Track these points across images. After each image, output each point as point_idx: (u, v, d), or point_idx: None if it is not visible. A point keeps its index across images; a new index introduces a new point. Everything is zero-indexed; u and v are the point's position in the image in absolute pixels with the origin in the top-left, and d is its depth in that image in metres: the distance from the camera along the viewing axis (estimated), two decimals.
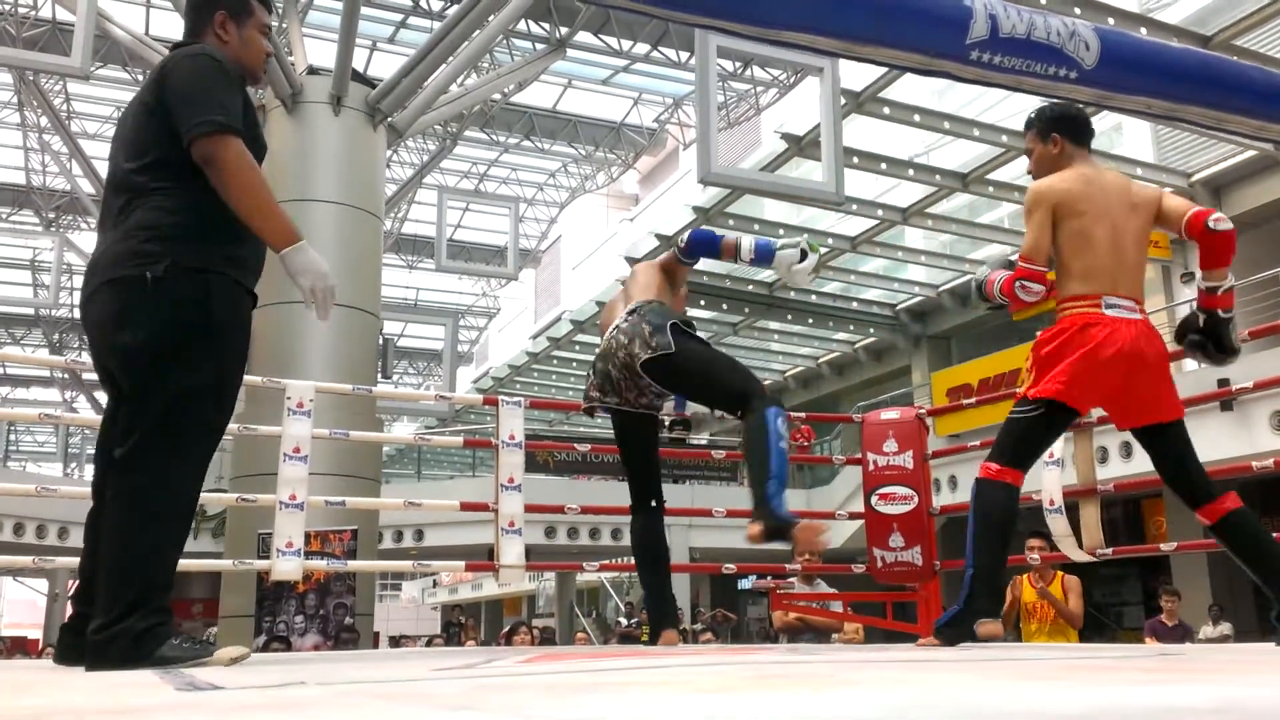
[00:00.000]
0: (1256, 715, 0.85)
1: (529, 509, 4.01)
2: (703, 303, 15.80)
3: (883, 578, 4.44)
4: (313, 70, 10.31)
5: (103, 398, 2.65)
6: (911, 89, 11.71)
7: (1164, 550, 4.40)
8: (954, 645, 2.81)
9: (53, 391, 24.66)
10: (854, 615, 6.09)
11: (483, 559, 5.02)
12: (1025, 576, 5.76)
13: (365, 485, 8.91)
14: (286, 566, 3.53)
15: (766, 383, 22.53)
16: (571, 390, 22.04)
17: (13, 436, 20.48)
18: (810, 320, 16.85)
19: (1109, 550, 3.78)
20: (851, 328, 17.60)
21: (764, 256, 3.41)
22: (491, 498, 4.01)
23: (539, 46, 14.00)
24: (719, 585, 20.65)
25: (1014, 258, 3.00)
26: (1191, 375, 10.55)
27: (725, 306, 16.06)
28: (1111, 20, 9.19)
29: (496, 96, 15.36)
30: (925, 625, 4.47)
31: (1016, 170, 13.49)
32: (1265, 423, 9.29)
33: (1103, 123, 12.67)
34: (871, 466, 4.44)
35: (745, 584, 18.25)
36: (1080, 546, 3.77)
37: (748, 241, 3.43)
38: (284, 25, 12.05)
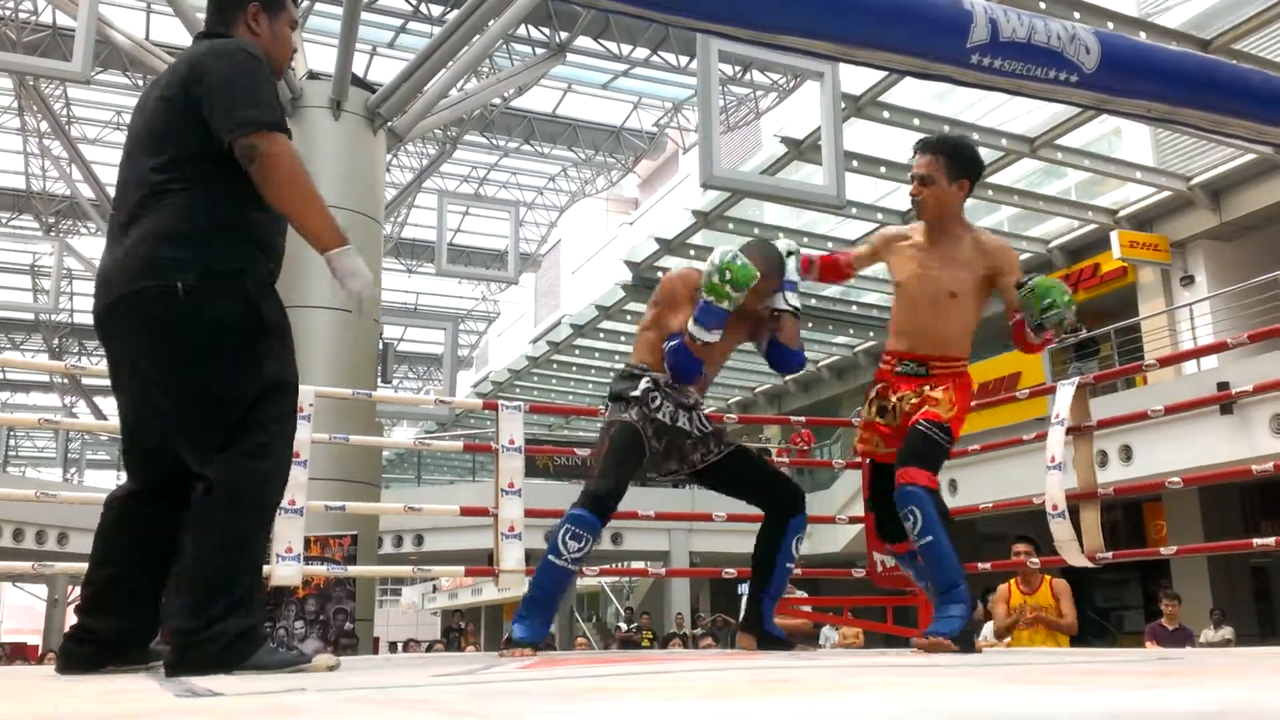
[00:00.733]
0: (1256, 719, 0.85)
1: (529, 514, 4.01)
2: None
3: (883, 582, 4.43)
4: (313, 75, 10.32)
5: (105, 403, 2.62)
6: (911, 93, 11.72)
7: (1164, 554, 4.39)
8: (973, 651, 2.90)
9: (52, 397, 24.67)
10: (854, 620, 6.09)
11: (483, 564, 5.02)
12: (1012, 582, 5.75)
13: (365, 490, 8.90)
14: (286, 572, 3.52)
15: (765, 388, 22.54)
16: (572, 395, 22.06)
17: (12, 441, 20.48)
18: (810, 324, 16.86)
19: (1109, 554, 3.78)
20: (851, 331, 17.60)
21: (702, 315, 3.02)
22: (491, 502, 4.01)
23: (539, 51, 14.01)
24: (719, 589, 20.63)
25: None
26: (1191, 379, 10.55)
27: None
28: (1111, 24, 9.21)
29: (496, 101, 15.38)
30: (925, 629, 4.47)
31: (1016, 174, 13.51)
32: (1265, 426, 9.29)
33: (1102, 126, 12.69)
34: None
35: (745, 588, 18.21)
36: (1081, 551, 3.77)
37: (694, 328, 3.05)
38: None
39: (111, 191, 2.57)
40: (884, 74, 9.95)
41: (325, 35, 13.22)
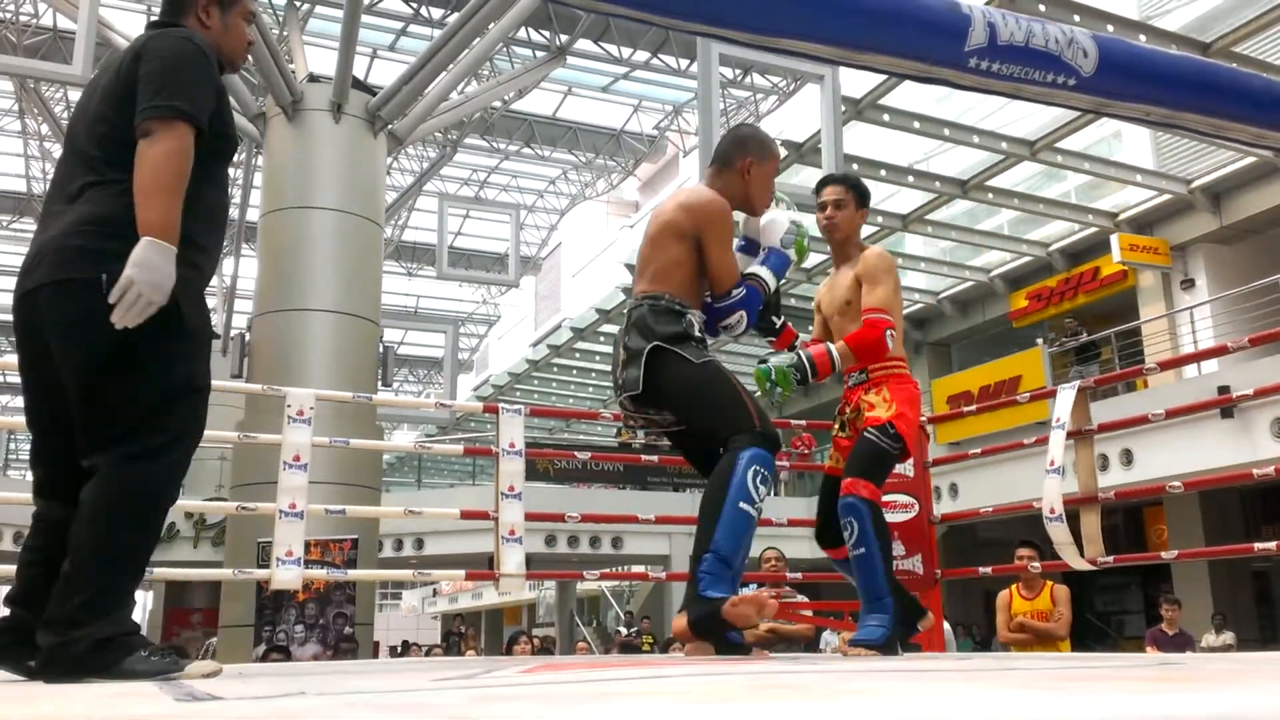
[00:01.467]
0: None
1: (529, 517, 4.00)
2: None
3: None
4: (313, 78, 10.33)
5: None
6: (911, 96, 11.73)
7: (1165, 558, 4.39)
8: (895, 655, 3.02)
9: None
10: (855, 624, 6.08)
11: (483, 568, 5.02)
12: (1014, 587, 5.74)
13: (365, 493, 8.90)
14: (286, 575, 3.52)
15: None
16: (572, 398, 22.06)
17: (13, 445, 20.44)
18: (810, 327, 16.86)
19: (1110, 558, 3.77)
20: None
21: (780, 266, 3.05)
22: (492, 506, 4.00)
23: (539, 54, 14.02)
24: None
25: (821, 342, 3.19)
26: (1193, 383, 10.54)
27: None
28: (1111, 27, 9.21)
29: (497, 104, 15.39)
30: (926, 634, 4.46)
31: (1016, 177, 13.51)
32: (1266, 430, 9.28)
33: (1102, 129, 12.70)
34: None
35: (745, 592, 18.20)
36: (1081, 555, 3.76)
37: (769, 275, 3.03)
38: (285, 33, 12.08)
39: None
40: (884, 77, 9.95)
41: (326, 38, 13.24)
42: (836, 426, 3.46)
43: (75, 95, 15.37)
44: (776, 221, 3.05)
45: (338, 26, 10.54)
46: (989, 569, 4.82)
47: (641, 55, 14.54)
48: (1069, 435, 3.85)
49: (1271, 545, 3.65)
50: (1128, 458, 10.31)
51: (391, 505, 11.40)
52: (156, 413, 2.00)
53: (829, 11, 1.06)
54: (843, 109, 9.71)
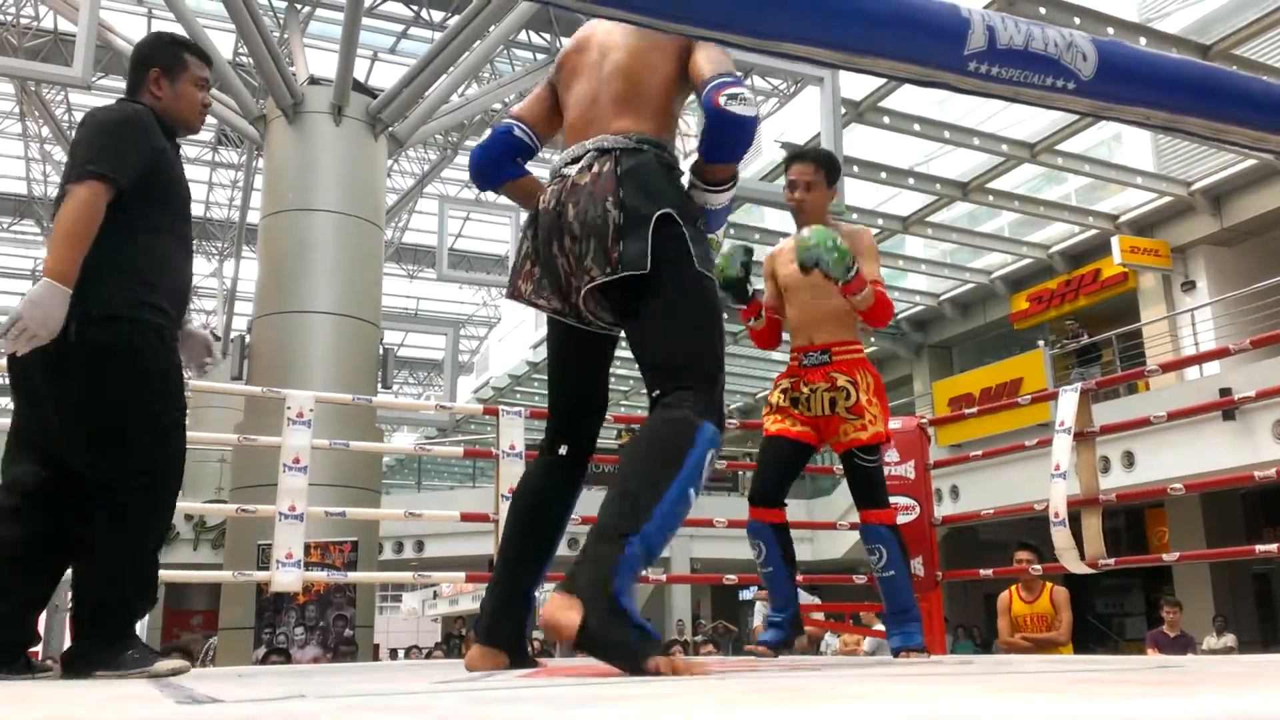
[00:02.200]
0: None
1: None
2: None
3: None
4: (314, 80, 10.34)
5: None
6: (911, 98, 11.74)
7: (1166, 560, 4.39)
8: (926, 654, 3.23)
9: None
10: (854, 627, 6.08)
11: (483, 570, 5.02)
12: (1013, 589, 5.73)
13: (365, 496, 8.89)
14: (286, 578, 3.52)
15: (764, 392, 22.66)
16: None
17: None
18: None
19: (1111, 560, 3.77)
20: None
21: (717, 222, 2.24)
22: (492, 508, 4.00)
23: (539, 56, 14.04)
24: (720, 596, 20.63)
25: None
26: (1193, 384, 10.54)
27: (726, 316, 16.08)
28: (1111, 30, 9.21)
29: (497, 106, 15.39)
30: (928, 636, 4.46)
31: (1017, 179, 13.52)
32: (1268, 432, 9.28)
33: (1103, 132, 12.70)
34: None
35: (746, 595, 18.22)
36: (1082, 558, 3.76)
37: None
38: (286, 36, 12.09)
39: None
40: (883, 80, 9.95)
41: (327, 41, 13.25)
42: (784, 399, 3.37)
43: (76, 97, 15.39)
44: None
45: (338, 29, 10.55)
46: (990, 571, 4.82)
47: None
48: (1072, 438, 3.84)
49: (1273, 547, 3.65)
50: (1129, 460, 10.31)
51: (391, 507, 11.40)
52: (137, 453, 2.24)
53: (829, 16, 1.06)
54: (843, 111, 9.71)
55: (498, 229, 18.93)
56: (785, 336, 3.54)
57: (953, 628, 10.56)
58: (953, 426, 12.08)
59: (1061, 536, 3.73)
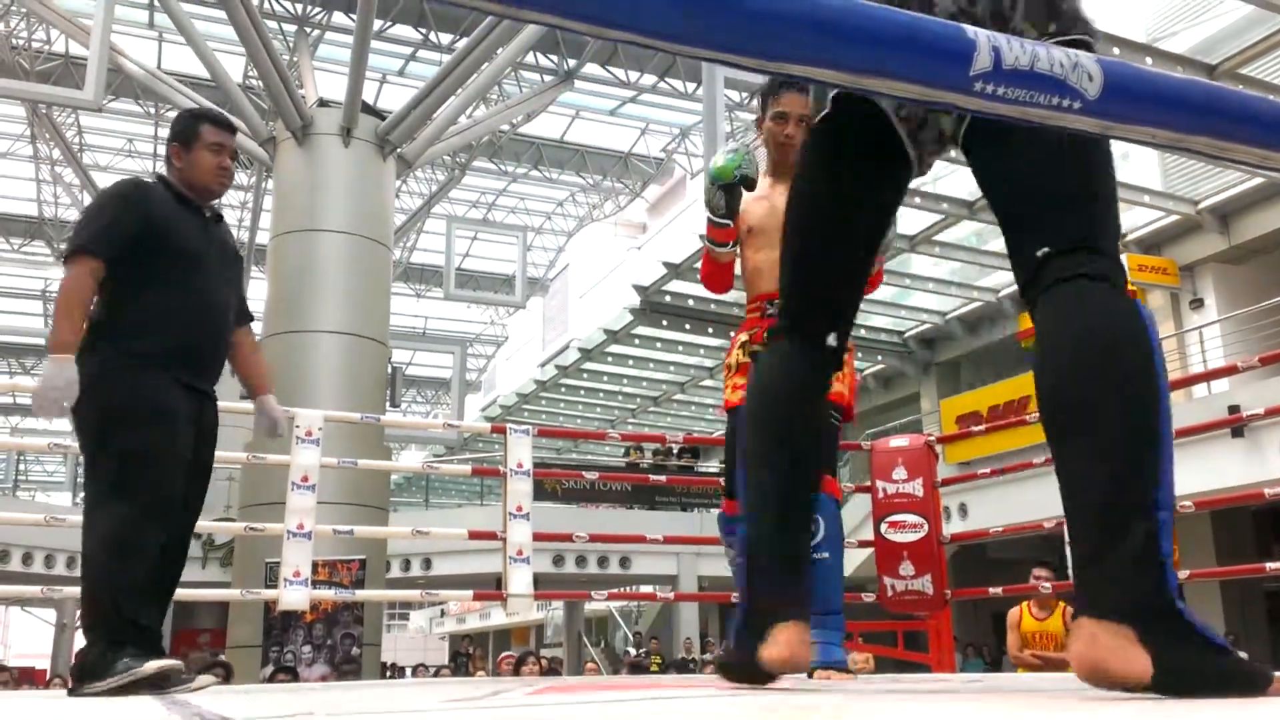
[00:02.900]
0: None
1: (537, 537, 3.99)
2: (710, 330, 15.81)
3: (893, 607, 4.40)
4: (323, 103, 10.41)
5: None
6: None
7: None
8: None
9: (62, 421, 24.71)
10: (864, 645, 6.04)
11: (491, 588, 5.01)
12: (1025, 605, 5.70)
13: (373, 514, 8.90)
14: (294, 596, 3.52)
15: None
16: (580, 419, 22.04)
17: (22, 466, 20.52)
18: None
19: None
20: (859, 354, 17.56)
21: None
22: (500, 526, 4.00)
23: (547, 78, 14.13)
24: (728, 614, 20.53)
25: None
26: (1201, 402, 10.50)
27: (733, 334, 16.07)
28: (1118, 50, 9.24)
29: (505, 127, 15.49)
30: (937, 654, 4.44)
31: None
32: (1277, 449, 9.23)
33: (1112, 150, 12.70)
34: (881, 494, 4.42)
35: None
36: None
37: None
38: (295, 59, 12.19)
39: None
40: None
41: (336, 64, 13.35)
42: (747, 356, 3.01)
43: (86, 120, 15.53)
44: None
45: (347, 52, 10.63)
46: (999, 589, 4.79)
47: (649, 79, 14.63)
48: None
49: None
50: None
51: (399, 525, 11.39)
52: (111, 476, 2.46)
53: (835, 38, 1.07)
54: None
55: (505, 248, 19.01)
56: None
57: (962, 646, 10.49)
58: (961, 444, 12.04)
59: None
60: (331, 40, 13.39)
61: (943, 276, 16.08)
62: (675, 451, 15.54)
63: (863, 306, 2.97)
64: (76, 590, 2.49)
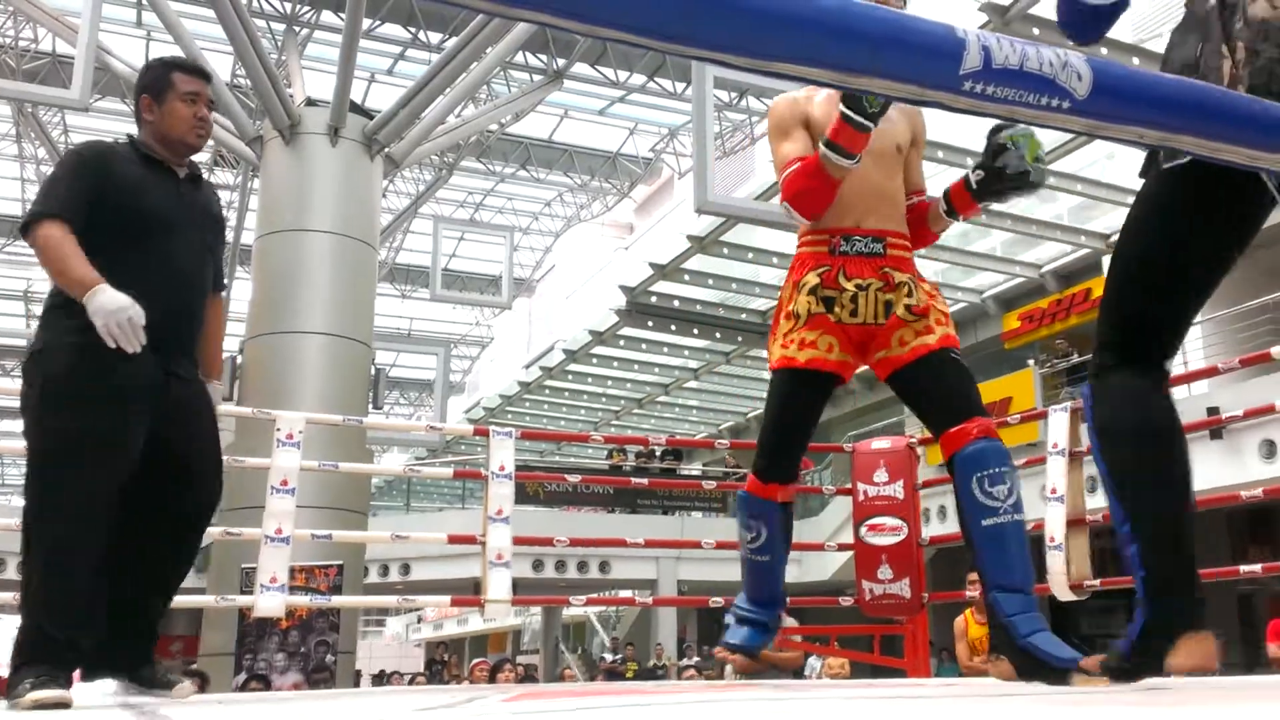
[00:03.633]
0: None
1: (517, 541, 3.95)
2: (695, 331, 15.81)
3: (870, 610, 4.38)
4: (311, 102, 10.35)
5: None
6: None
7: None
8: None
9: None
10: (841, 650, 6.03)
11: (469, 593, 4.97)
12: (968, 612, 5.70)
13: (352, 518, 8.81)
14: (269, 603, 3.46)
15: (756, 414, 22.51)
16: (564, 421, 21.99)
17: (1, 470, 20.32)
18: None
19: (1096, 582, 3.73)
20: None
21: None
22: (479, 529, 3.96)
23: (536, 78, 14.09)
24: (706, 619, 20.47)
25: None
26: (1182, 404, 10.52)
27: (718, 335, 16.08)
28: (1105, 50, 9.28)
29: (493, 127, 15.44)
30: (912, 660, 4.42)
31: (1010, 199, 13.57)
32: (1255, 452, 9.28)
33: (1095, 151, 12.78)
34: (862, 496, 4.39)
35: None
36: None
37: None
38: (283, 58, 12.12)
39: None
40: None
41: (324, 63, 13.29)
42: (816, 304, 2.52)
43: (72, 119, 15.39)
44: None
45: (336, 51, 10.58)
46: (977, 593, 4.78)
47: (638, 79, 14.62)
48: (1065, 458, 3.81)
49: (1257, 568, 3.63)
50: None
51: (379, 529, 11.32)
52: (39, 466, 2.31)
53: (826, 37, 1.06)
54: None
55: (492, 249, 18.95)
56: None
57: (937, 650, 10.49)
58: None
59: (1056, 561, 3.69)
60: (320, 39, 13.32)
61: (927, 277, 16.13)
62: (658, 454, 15.52)
63: None
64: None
